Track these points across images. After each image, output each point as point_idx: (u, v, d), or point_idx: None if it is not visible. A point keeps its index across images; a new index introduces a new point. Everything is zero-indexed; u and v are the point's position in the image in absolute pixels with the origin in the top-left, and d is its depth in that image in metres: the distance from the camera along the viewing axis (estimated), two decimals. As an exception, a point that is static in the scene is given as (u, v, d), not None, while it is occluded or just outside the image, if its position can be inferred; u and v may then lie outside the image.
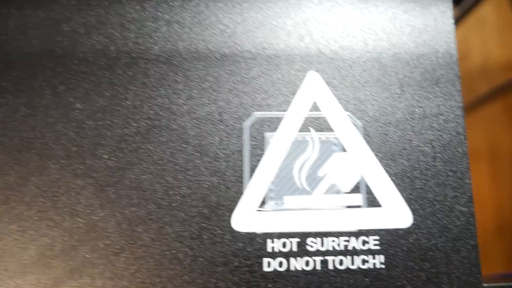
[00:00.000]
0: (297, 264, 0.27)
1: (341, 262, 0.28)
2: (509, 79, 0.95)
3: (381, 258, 0.28)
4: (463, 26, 1.09)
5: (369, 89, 0.30)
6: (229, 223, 0.28)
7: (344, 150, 0.29)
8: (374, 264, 0.28)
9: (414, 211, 0.29)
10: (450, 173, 0.29)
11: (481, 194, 1.03)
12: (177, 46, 0.30)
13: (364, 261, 0.28)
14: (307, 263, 0.27)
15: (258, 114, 0.29)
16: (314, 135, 0.29)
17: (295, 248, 0.28)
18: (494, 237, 1.00)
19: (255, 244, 0.27)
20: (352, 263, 0.28)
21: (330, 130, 0.30)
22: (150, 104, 0.29)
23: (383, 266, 0.28)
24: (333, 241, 0.28)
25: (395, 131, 0.30)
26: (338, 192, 0.29)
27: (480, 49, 1.12)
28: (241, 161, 0.29)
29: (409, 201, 0.29)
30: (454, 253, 0.28)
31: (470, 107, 1.05)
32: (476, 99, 1.03)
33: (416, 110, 0.30)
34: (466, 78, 1.11)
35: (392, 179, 0.29)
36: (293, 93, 0.30)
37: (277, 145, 0.29)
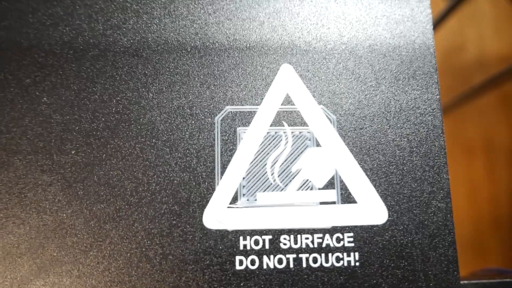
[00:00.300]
0: (270, 262, 0.27)
1: (315, 260, 0.27)
2: (504, 69, 0.95)
3: (356, 255, 0.27)
4: (459, 18, 1.08)
5: (344, 81, 0.30)
6: (200, 220, 0.27)
7: (318, 145, 0.29)
8: (349, 261, 0.27)
9: (389, 207, 0.28)
10: (427, 168, 0.29)
11: (476, 187, 1.02)
12: (147, 38, 0.29)
13: (338, 259, 0.27)
14: (280, 261, 0.27)
15: (230, 108, 0.29)
16: (287, 130, 0.29)
17: (267, 246, 0.27)
18: (490, 231, 1.00)
19: (226, 241, 0.27)
20: (326, 261, 0.27)
21: (304, 124, 0.29)
22: (118, 98, 0.28)
23: (358, 263, 0.27)
24: (306, 238, 0.27)
25: (370, 125, 0.29)
26: (311, 188, 0.28)
27: (476, 41, 1.12)
28: (213, 156, 0.28)
29: (384, 197, 0.28)
30: (431, 250, 0.27)
31: (465, 99, 1.05)
32: (470, 90, 1.02)
33: (392, 103, 0.30)
34: (462, 70, 1.10)
35: (367, 175, 0.28)
36: (266, 87, 0.29)
37: (249, 140, 0.28)
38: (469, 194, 1.01)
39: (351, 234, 0.27)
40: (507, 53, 1.10)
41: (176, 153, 0.28)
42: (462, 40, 1.12)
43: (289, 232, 0.27)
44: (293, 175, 0.28)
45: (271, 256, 0.27)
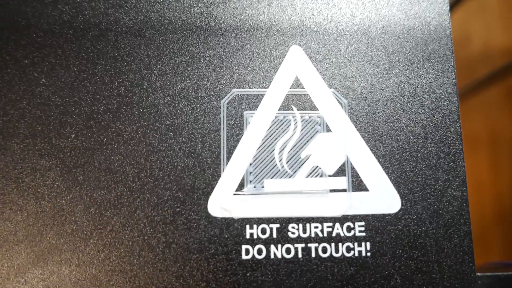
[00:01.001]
0: (278, 251, 0.26)
1: (324, 250, 0.26)
2: (509, 62, 0.94)
3: (367, 245, 0.26)
4: (464, 10, 1.08)
5: (356, 64, 0.29)
6: (205, 208, 0.26)
7: (329, 130, 0.28)
8: (360, 252, 0.26)
9: (403, 195, 0.27)
10: (442, 155, 0.28)
11: (480, 181, 1.02)
12: (150, 17, 0.28)
13: (349, 249, 0.26)
14: (288, 251, 0.26)
15: (236, 91, 0.28)
16: (296, 114, 0.28)
17: (275, 235, 0.26)
18: (492, 225, 1.00)
19: (232, 230, 0.26)
20: (336, 251, 0.26)
21: (314, 108, 0.28)
22: (120, 80, 0.27)
23: (369, 254, 0.26)
24: (316, 227, 0.26)
25: (383, 110, 0.28)
26: (321, 175, 0.27)
27: (481, 33, 1.11)
28: (218, 141, 0.27)
29: (397, 185, 0.27)
30: (446, 240, 0.27)
31: (470, 91, 1.04)
32: (475, 83, 1.02)
33: (406, 87, 0.29)
34: (467, 62, 1.09)
35: (380, 161, 0.28)
36: (274, 69, 0.28)
37: (257, 125, 0.28)
38: (473, 187, 1.01)
39: (363, 223, 0.27)
40: (513, 46, 1.09)
41: (180, 138, 0.27)
42: (467, 32, 1.11)
43: (297, 220, 0.26)
44: (302, 162, 0.27)
45: (279, 246, 0.26)
